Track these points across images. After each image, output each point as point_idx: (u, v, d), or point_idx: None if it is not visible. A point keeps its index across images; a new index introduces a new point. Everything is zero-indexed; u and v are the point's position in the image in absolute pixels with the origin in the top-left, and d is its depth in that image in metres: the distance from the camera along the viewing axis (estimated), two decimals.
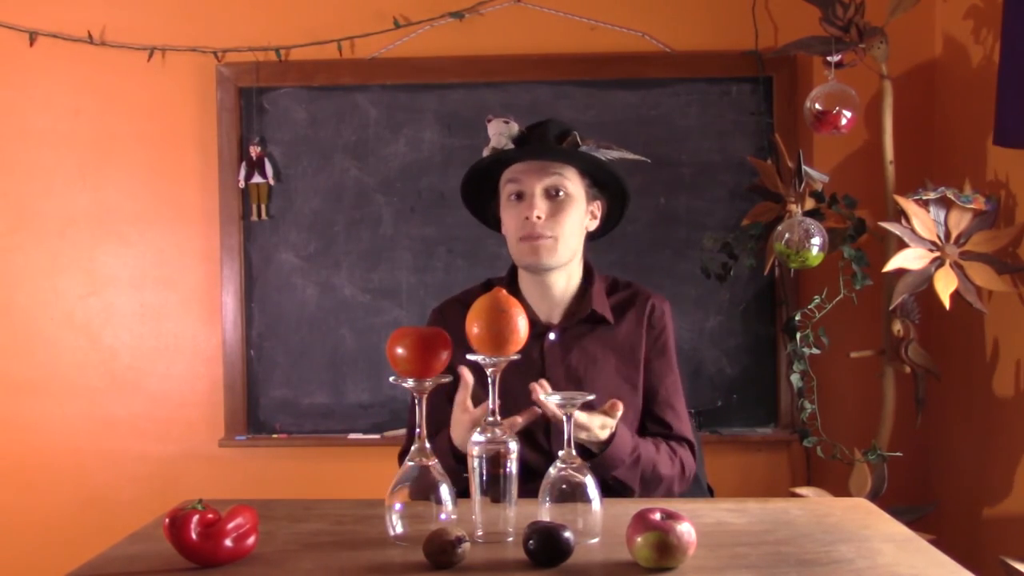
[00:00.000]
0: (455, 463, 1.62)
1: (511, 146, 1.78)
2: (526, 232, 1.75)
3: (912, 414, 2.67)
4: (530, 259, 1.77)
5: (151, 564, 1.28)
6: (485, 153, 1.80)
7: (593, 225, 1.85)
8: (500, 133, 1.78)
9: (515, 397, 1.60)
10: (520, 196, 1.77)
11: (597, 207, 1.85)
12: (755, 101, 2.85)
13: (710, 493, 2.03)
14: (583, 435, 1.61)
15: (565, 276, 1.83)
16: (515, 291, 1.84)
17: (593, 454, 1.67)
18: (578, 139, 1.76)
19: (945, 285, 2.35)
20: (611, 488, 1.69)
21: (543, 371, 1.79)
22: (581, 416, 1.58)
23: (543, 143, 1.77)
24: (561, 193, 1.76)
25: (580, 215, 1.79)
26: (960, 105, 2.71)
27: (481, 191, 1.85)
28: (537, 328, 1.82)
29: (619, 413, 1.63)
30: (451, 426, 1.66)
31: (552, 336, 1.82)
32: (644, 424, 1.85)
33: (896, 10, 2.55)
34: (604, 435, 1.64)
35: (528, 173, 1.76)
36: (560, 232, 1.75)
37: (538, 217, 1.73)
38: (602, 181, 1.82)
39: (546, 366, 1.80)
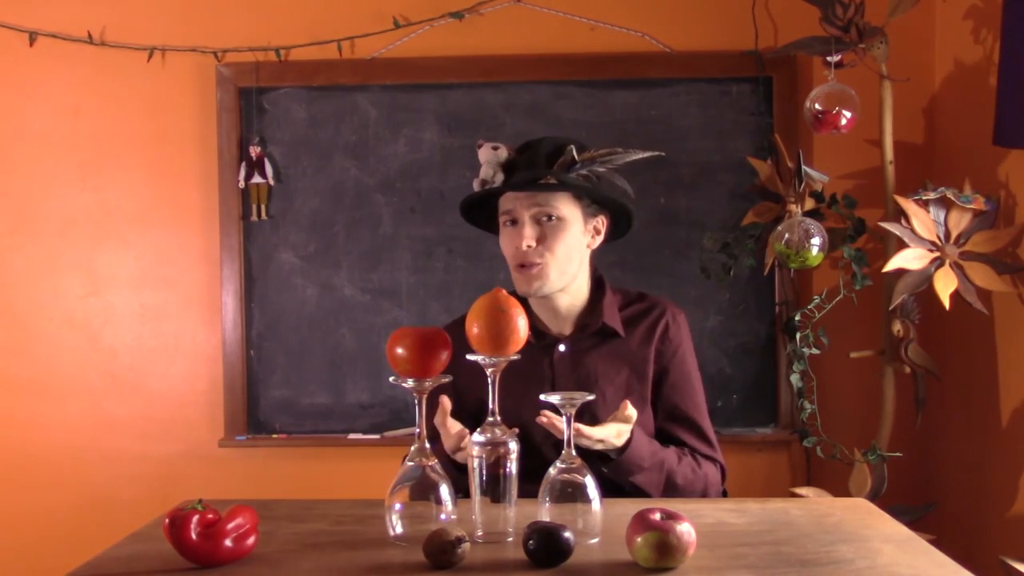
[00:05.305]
0: (456, 472, 1.60)
1: (500, 174, 1.74)
2: (518, 260, 1.74)
3: (912, 414, 2.67)
4: (523, 288, 1.76)
5: (151, 564, 1.29)
6: (475, 184, 1.77)
7: (597, 241, 1.82)
8: (488, 161, 1.75)
9: (520, 408, 1.58)
10: (514, 222, 1.75)
11: (600, 222, 1.81)
12: (755, 101, 2.85)
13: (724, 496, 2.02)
14: (599, 446, 1.60)
15: (568, 296, 1.81)
16: (524, 305, 1.82)
17: (612, 459, 1.66)
18: (574, 154, 1.70)
19: (945, 285, 2.35)
20: (629, 494, 1.68)
21: (553, 383, 1.79)
22: (595, 431, 1.57)
23: (531, 169, 1.72)
24: (552, 218, 1.73)
25: (576, 237, 1.76)
26: (960, 105, 2.71)
27: (482, 213, 1.83)
28: (547, 340, 1.81)
29: (632, 415, 1.62)
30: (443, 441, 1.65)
31: (562, 348, 1.81)
32: (661, 442, 1.81)
33: (896, 10, 2.55)
34: (620, 442, 1.63)
35: (518, 200, 1.73)
36: (551, 258, 1.73)
37: (528, 246, 1.71)
38: (600, 197, 1.78)
39: (556, 378, 1.80)
